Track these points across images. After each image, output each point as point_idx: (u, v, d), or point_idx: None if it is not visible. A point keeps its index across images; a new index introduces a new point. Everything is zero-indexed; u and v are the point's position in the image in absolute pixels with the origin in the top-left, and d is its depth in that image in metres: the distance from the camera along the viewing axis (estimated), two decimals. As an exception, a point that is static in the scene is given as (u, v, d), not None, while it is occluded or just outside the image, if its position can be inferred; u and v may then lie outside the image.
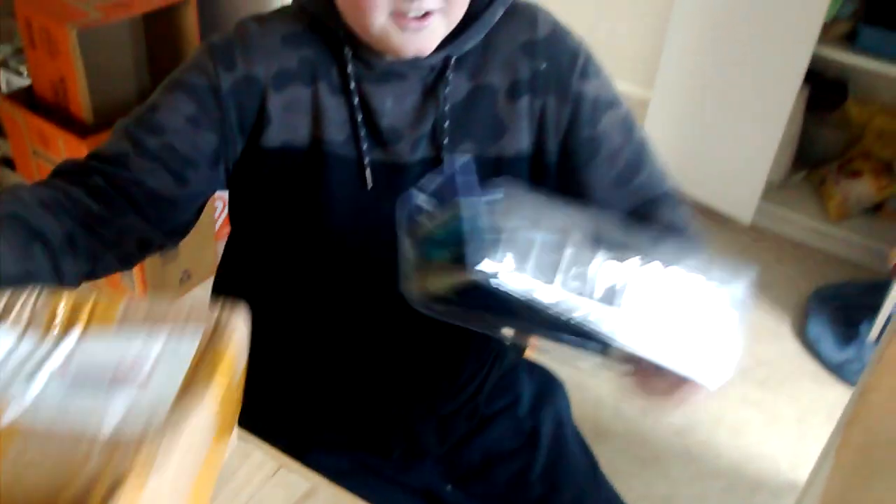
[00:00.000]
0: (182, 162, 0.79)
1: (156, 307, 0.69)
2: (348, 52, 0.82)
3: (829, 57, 2.21)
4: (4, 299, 0.70)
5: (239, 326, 0.68)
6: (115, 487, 0.53)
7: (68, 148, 1.65)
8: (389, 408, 0.94)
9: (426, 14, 0.76)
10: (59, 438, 0.57)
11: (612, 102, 0.90)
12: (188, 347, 0.66)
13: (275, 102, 0.81)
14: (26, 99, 1.76)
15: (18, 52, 1.97)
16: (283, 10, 0.88)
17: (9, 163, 2.04)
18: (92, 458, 0.55)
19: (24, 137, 1.75)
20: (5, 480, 0.53)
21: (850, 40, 2.22)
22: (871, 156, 2.43)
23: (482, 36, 0.84)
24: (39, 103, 1.74)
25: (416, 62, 0.82)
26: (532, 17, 0.87)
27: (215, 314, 0.68)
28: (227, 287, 0.98)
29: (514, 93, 0.85)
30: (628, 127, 0.90)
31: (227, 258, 0.99)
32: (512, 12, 0.86)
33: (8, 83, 1.91)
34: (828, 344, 2.00)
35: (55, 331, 0.68)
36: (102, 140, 1.62)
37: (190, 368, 0.64)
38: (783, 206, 2.44)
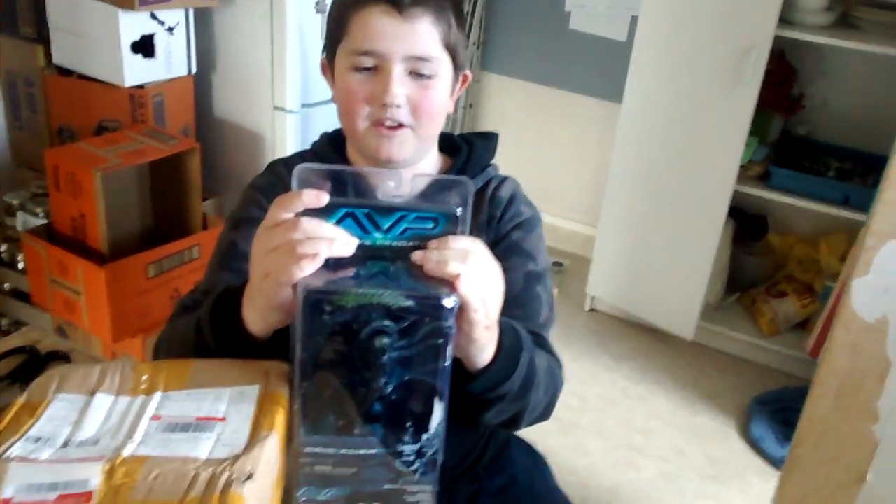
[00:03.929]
0: None
1: (218, 366, 0.86)
2: (350, 184, 1.04)
3: (748, 194, 2.53)
4: (97, 373, 0.88)
5: (285, 372, 0.84)
6: (227, 488, 0.70)
7: (86, 275, 1.84)
8: None
9: (399, 126, 0.96)
10: (171, 461, 0.73)
11: (529, 256, 1.04)
12: (252, 392, 0.84)
13: None
14: (45, 234, 1.97)
15: (34, 196, 2.19)
16: (302, 153, 1.12)
17: (19, 295, 2.20)
18: (200, 471, 0.71)
19: (43, 268, 1.93)
20: (143, 492, 0.69)
21: (764, 180, 2.55)
22: (793, 279, 2.73)
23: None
24: (57, 238, 1.94)
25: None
26: (501, 181, 1.10)
27: (264, 366, 0.85)
28: None
29: (478, 232, 1.05)
30: (532, 279, 1.03)
31: None
32: (489, 176, 1.10)
33: (24, 223, 2.12)
34: (770, 442, 2.21)
35: (142, 392, 0.86)
36: (118, 267, 1.81)
37: (257, 406, 0.82)
38: (721, 325, 2.69)
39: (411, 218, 0.73)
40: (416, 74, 0.96)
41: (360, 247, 0.72)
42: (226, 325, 0.85)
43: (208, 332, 0.87)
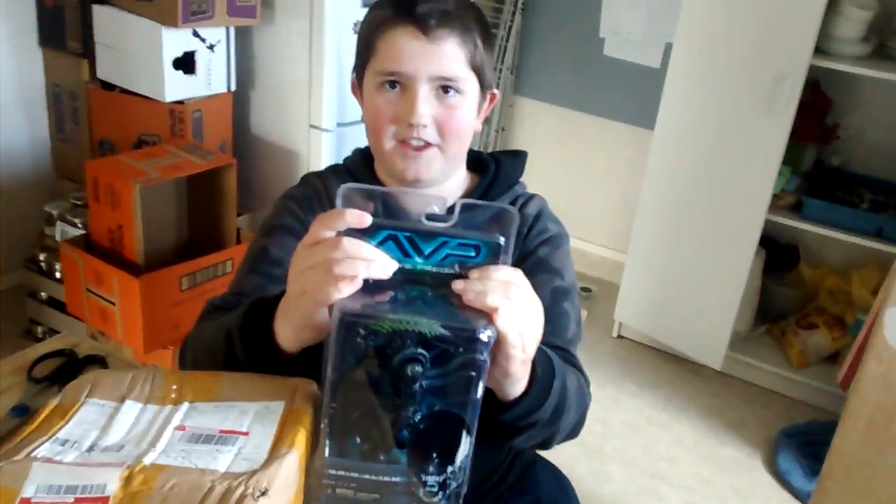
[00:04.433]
0: None
1: (247, 379, 0.87)
2: (380, 202, 1.06)
3: (779, 223, 2.51)
4: (129, 381, 0.90)
5: (313, 391, 0.85)
6: (240, 502, 0.70)
7: (122, 285, 1.88)
8: None
9: (426, 146, 0.97)
10: (189, 472, 0.74)
11: (556, 272, 1.04)
12: (277, 408, 0.85)
13: None
14: (83, 244, 2.02)
15: (73, 207, 2.25)
16: (335, 167, 1.14)
17: (55, 303, 2.26)
18: (216, 484, 0.72)
19: (80, 277, 1.98)
20: (158, 501, 0.70)
21: (797, 210, 2.52)
22: (824, 311, 2.69)
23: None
24: (95, 248, 1.99)
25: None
26: (528, 199, 1.11)
27: (292, 383, 0.86)
28: None
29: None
30: (559, 295, 1.03)
31: None
32: (516, 194, 1.10)
33: (63, 233, 2.17)
34: (797, 476, 2.18)
35: (170, 401, 0.87)
36: (152, 278, 1.85)
37: (280, 423, 0.83)
38: (749, 356, 2.66)
39: (453, 244, 0.72)
40: (442, 94, 0.97)
41: (399, 270, 0.72)
42: (256, 337, 0.86)
43: (238, 343, 0.88)
